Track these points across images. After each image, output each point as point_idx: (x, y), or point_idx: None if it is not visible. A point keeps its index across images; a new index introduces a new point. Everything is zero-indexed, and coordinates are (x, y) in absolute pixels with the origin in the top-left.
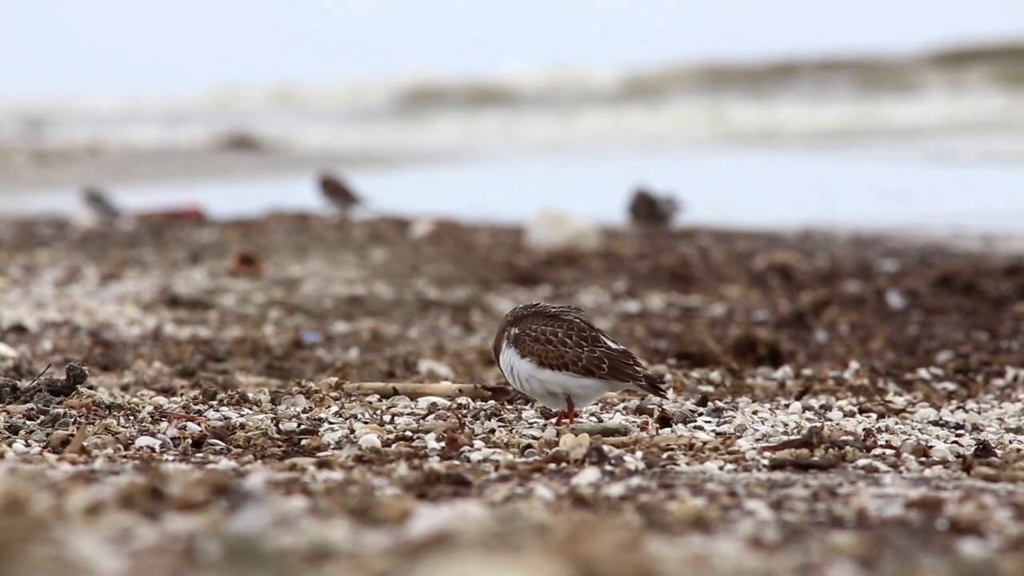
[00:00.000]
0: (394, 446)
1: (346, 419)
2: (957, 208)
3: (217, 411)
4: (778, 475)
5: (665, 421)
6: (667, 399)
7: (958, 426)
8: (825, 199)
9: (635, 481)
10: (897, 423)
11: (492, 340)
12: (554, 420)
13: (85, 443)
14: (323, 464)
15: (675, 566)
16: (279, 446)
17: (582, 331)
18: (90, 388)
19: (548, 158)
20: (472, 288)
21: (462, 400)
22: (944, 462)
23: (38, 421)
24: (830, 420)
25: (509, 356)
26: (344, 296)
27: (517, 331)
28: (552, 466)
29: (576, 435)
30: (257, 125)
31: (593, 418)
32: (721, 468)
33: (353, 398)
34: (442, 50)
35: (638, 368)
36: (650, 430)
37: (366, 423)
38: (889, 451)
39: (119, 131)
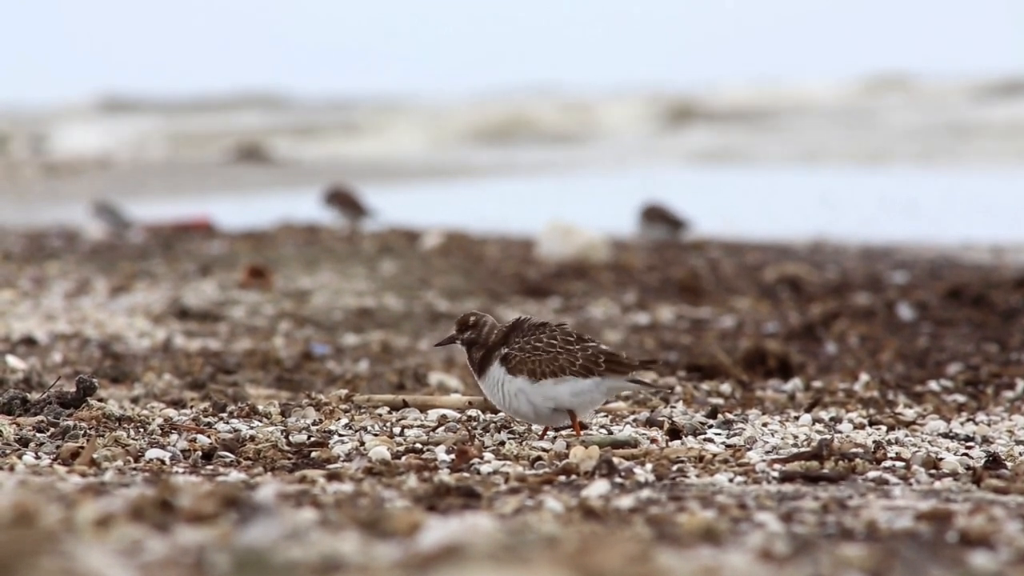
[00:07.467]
0: (404, 458)
1: (356, 431)
2: None
3: (227, 423)
4: (788, 487)
5: (675, 433)
6: (665, 391)
7: (968, 438)
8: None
9: (645, 493)
10: (907, 435)
11: (474, 357)
12: (565, 432)
13: (95, 455)
14: (333, 476)
15: None
16: (289, 458)
17: (567, 333)
18: (100, 400)
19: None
20: (482, 300)
21: (472, 412)
22: (954, 474)
23: (48, 433)
24: (840, 432)
25: (498, 374)
26: (354, 308)
27: (506, 350)
28: (562, 478)
29: (586, 447)
30: None
31: (603, 430)
32: (731, 480)
33: (363, 410)
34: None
35: (632, 360)
36: (660, 442)
37: (376, 435)
38: (899, 463)
39: None
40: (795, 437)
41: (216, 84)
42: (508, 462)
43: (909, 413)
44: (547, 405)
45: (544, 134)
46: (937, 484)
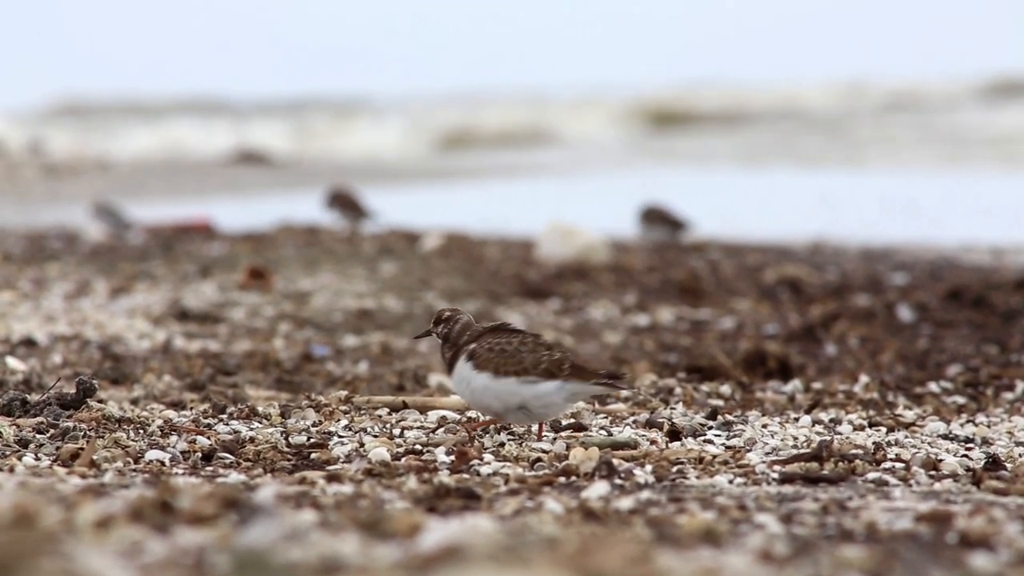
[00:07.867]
0: (404, 460)
1: (356, 433)
2: None
3: (227, 425)
4: (788, 489)
5: (675, 435)
6: (631, 390)
7: (968, 440)
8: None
9: (645, 495)
10: (907, 437)
11: (445, 355)
12: (564, 434)
13: (95, 457)
14: (333, 477)
15: None
16: (289, 460)
17: (538, 341)
18: (100, 402)
19: None
20: (482, 302)
21: (472, 413)
22: (954, 476)
23: (48, 435)
24: (840, 434)
25: (464, 370)
26: (354, 309)
27: (475, 346)
28: (562, 479)
29: (586, 448)
30: None
31: (603, 432)
32: (731, 482)
33: (363, 412)
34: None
35: (598, 369)
36: (660, 444)
37: (376, 437)
38: (899, 465)
39: None
40: (795, 438)
41: (160, 87)
42: (508, 463)
43: (909, 414)
44: (514, 400)
45: (544, 136)
46: (937, 485)
